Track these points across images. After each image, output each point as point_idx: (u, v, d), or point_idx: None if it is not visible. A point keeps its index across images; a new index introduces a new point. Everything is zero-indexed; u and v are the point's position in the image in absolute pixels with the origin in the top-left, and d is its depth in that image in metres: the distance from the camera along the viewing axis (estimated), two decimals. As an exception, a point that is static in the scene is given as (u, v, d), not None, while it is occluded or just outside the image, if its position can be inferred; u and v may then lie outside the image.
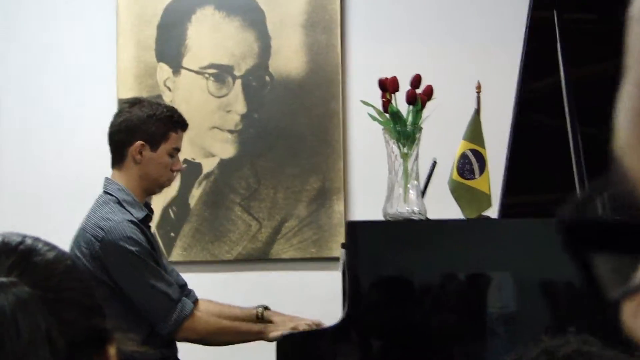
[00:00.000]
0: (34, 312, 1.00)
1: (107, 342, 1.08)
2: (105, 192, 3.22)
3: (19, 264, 1.04)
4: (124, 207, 3.16)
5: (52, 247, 1.09)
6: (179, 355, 3.32)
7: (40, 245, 1.08)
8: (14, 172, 4.52)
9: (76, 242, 3.13)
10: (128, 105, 3.27)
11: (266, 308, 3.36)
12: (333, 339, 2.78)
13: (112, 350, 1.08)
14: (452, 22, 4.39)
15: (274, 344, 2.89)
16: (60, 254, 1.09)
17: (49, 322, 1.00)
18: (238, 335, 3.25)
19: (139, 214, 3.18)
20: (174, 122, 3.25)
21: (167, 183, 3.30)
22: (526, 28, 3.04)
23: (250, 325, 3.26)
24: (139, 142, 3.19)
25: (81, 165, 4.43)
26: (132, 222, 3.12)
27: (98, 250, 3.07)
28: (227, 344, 3.29)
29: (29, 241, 1.08)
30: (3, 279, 1.02)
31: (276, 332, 3.13)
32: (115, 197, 3.18)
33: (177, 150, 3.27)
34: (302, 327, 3.14)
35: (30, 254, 1.06)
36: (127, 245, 3.07)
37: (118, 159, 3.24)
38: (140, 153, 3.20)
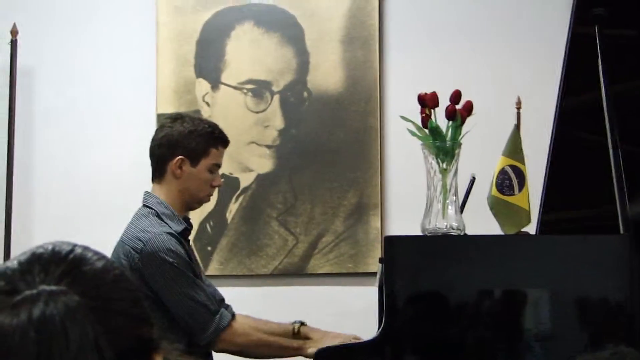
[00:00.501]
0: (82, 321, 1.00)
1: (154, 351, 1.08)
2: (145, 206, 3.24)
3: (69, 272, 1.04)
4: (162, 220, 3.18)
5: (102, 257, 1.09)
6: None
7: (89, 255, 1.08)
8: (53, 185, 4.56)
9: (115, 254, 3.14)
10: (170, 121, 3.30)
11: (303, 324, 3.35)
12: (369, 353, 2.77)
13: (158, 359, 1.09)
14: (491, 38, 4.38)
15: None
16: (109, 263, 1.09)
17: (97, 331, 1.00)
18: (276, 350, 3.23)
19: (178, 227, 3.19)
20: (215, 138, 3.26)
21: (206, 198, 3.32)
22: (567, 43, 3.03)
23: (290, 341, 3.25)
24: (179, 157, 3.21)
25: (120, 179, 4.46)
26: (170, 234, 3.14)
27: (137, 262, 3.09)
28: (265, 358, 3.28)
29: (78, 250, 1.08)
30: (53, 288, 1.02)
31: (315, 349, 3.12)
32: (155, 210, 3.20)
33: (218, 166, 3.28)
34: (341, 342, 3.13)
35: (80, 263, 1.06)
36: (166, 257, 3.09)
37: (158, 173, 3.26)
38: (180, 168, 3.22)
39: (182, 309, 3.11)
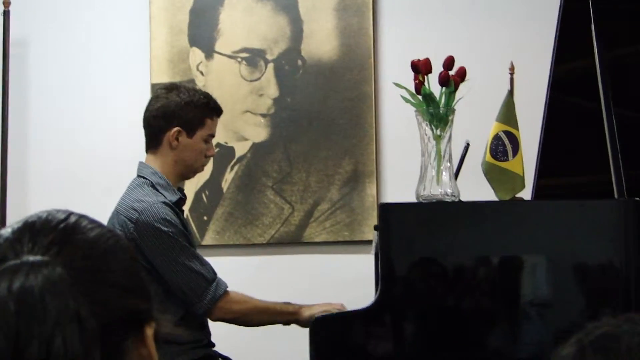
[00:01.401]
0: (63, 292, 0.99)
1: (144, 323, 1.07)
2: (139, 176, 3.24)
3: (57, 242, 1.03)
4: (157, 190, 3.19)
5: (97, 225, 1.08)
6: (215, 340, 3.34)
7: (84, 224, 1.07)
8: (47, 156, 4.55)
9: (110, 224, 3.15)
10: (165, 91, 3.29)
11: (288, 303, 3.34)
12: (366, 320, 2.78)
13: (149, 331, 1.08)
14: (484, 3, 4.37)
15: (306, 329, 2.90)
16: (104, 232, 1.08)
17: (80, 302, 0.99)
18: (272, 315, 3.24)
19: (172, 198, 3.20)
20: (210, 108, 3.27)
21: (201, 168, 3.33)
22: (560, 9, 3.02)
23: (285, 305, 3.26)
24: (176, 128, 3.21)
25: (113, 148, 4.46)
26: (165, 204, 3.14)
27: (132, 232, 3.10)
28: (260, 325, 3.30)
29: (72, 219, 1.07)
30: (37, 258, 1.01)
31: (310, 312, 3.13)
32: (149, 180, 3.20)
33: (212, 136, 3.29)
34: (334, 310, 3.14)
35: (72, 232, 1.05)
36: (161, 226, 3.10)
37: (153, 143, 3.26)
38: (177, 139, 3.22)
39: (178, 278, 3.12)
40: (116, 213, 3.17)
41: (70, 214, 1.08)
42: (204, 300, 3.14)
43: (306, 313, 3.16)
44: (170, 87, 3.33)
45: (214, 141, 3.39)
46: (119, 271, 1.06)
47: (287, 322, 3.26)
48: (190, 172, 3.31)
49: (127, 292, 1.05)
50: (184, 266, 3.12)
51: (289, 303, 3.28)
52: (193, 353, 3.18)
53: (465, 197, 2.93)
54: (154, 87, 4.45)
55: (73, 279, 1.00)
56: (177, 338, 2.94)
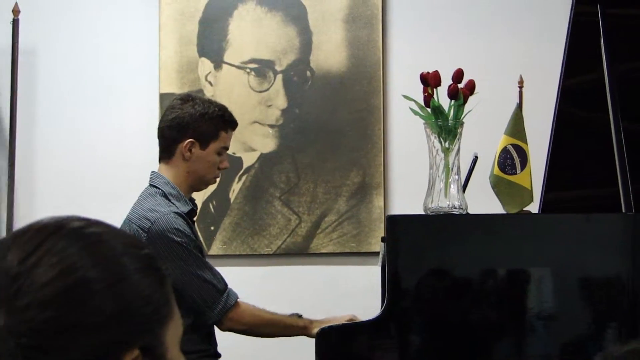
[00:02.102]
0: (7, 340, 0.95)
1: (121, 353, 1.01)
2: (152, 185, 3.24)
3: (5, 293, 0.98)
4: (169, 200, 3.18)
5: (71, 253, 1.00)
6: (220, 350, 3.33)
7: (44, 264, 0.98)
8: (56, 165, 4.56)
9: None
10: (180, 102, 3.27)
11: (300, 316, 3.33)
12: (372, 332, 2.78)
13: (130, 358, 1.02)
14: (494, 17, 4.37)
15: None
16: (67, 268, 0.99)
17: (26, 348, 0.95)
18: (282, 329, 3.23)
19: (184, 208, 3.19)
20: (225, 121, 3.26)
21: (213, 180, 3.32)
22: (569, 23, 3.02)
23: (295, 320, 3.24)
24: (189, 140, 3.21)
25: (120, 156, 4.47)
26: (178, 214, 3.14)
27: (144, 241, 3.09)
28: (270, 337, 3.29)
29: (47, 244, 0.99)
30: None
31: (321, 327, 3.11)
32: (162, 190, 3.20)
33: (226, 149, 3.28)
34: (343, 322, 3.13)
35: (26, 276, 0.98)
36: (174, 237, 3.09)
37: (167, 154, 3.26)
38: (190, 150, 3.21)
39: (189, 288, 3.11)
40: (128, 222, 3.16)
41: (50, 234, 1.01)
42: (214, 310, 3.13)
43: (317, 329, 3.13)
44: (186, 98, 3.31)
45: (225, 153, 3.39)
46: (82, 312, 0.98)
47: (297, 335, 3.25)
48: (202, 183, 3.30)
49: (91, 330, 0.98)
50: (196, 276, 3.11)
51: (300, 316, 3.27)
52: (198, 363, 3.18)
53: (473, 209, 2.93)
54: (162, 96, 4.46)
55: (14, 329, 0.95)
56: (183, 347, 2.93)
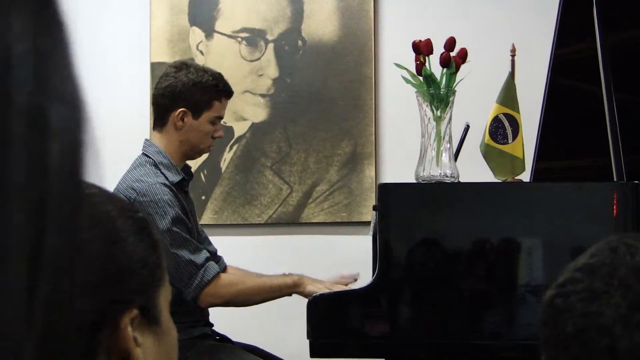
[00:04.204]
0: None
1: (118, 315, 1.01)
2: (143, 154, 3.21)
3: None
4: (159, 170, 3.16)
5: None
6: (214, 320, 3.32)
7: None
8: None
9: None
10: (174, 70, 3.24)
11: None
12: (363, 301, 2.79)
13: (125, 321, 1.02)
14: (486, -13, 4.36)
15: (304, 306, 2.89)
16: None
17: None
18: (270, 292, 3.16)
19: (174, 178, 3.16)
20: (219, 90, 3.22)
21: (207, 150, 3.29)
22: (562, -9, 3.02)
23: (283, 278, 3.17)
24: (181, 109, 3.17)
25: (113, 126, 4.45)
26: (165, 185, 3.11)
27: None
28: (260, 303, 3.23)
29: None
30: None
31: (313, 287, 3.08)
32: (152, 159, 3.17)
33: (220, 118, 3.25)
34: (337, 288, 3.11)
35: None
36: (156, 208, 3.06)
37: (159, 122, 3.24)
38: (182, 120, 3.18)
39: (167, 263, 3.09)
40: (116, 191, 3.15)
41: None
42: (190, 286, 3.07)
43: (309, 287, 3.10)
44: (180, 66, 3.27)
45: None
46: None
47: (289, 295, 3.20)
48: (195, 152, 3.28)
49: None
50: (173, 254, 3.04)
51: (289, 274, 3.20)
52: (189, 332, 3.16)
53: (464, 178, 2.93)
54: (153, 66, 4.45)
55: None
56: (174, 316, 2.92)
